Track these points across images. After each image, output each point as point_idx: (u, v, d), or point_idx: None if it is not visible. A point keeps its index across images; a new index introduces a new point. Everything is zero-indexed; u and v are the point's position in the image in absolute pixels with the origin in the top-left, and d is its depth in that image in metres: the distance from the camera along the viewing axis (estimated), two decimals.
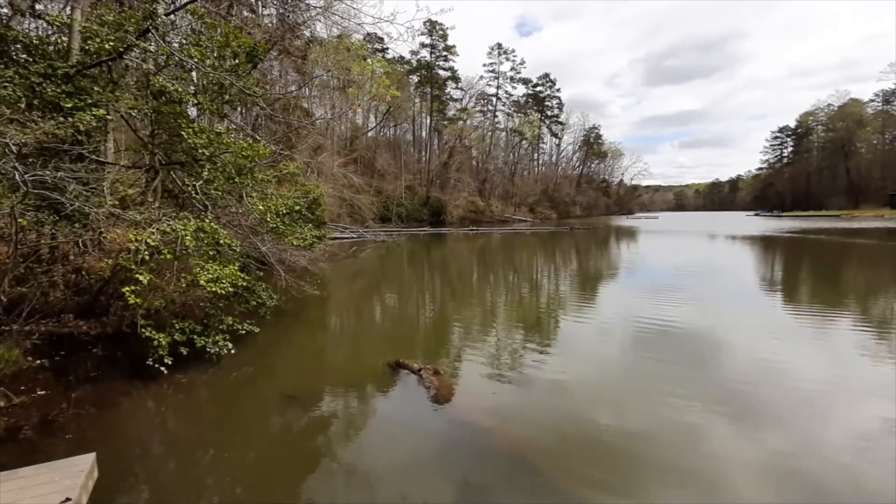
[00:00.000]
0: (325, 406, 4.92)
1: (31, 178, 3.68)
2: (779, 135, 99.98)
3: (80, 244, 6.86)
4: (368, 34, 40.50)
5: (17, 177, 3.54)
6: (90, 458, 3.00)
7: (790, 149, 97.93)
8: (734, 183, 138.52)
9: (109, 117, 5.38)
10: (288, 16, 19.76)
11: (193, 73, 6.22)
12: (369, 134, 48.36)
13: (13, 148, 3.67)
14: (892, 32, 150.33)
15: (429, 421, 4.44)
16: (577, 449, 3.83)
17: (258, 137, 7.88)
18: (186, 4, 5.89)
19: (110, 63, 6.04)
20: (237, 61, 6.67)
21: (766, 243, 25.02)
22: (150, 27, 5.67)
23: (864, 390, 4.99)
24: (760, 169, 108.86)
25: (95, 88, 5.52)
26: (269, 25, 20.44)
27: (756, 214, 77.45)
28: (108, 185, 5.94)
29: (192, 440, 4.14)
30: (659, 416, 4.32)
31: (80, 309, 7.07)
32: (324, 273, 12.23)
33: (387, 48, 45.80)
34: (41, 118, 4.22)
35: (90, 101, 5.32)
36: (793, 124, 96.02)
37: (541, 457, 3.70)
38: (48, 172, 3.85)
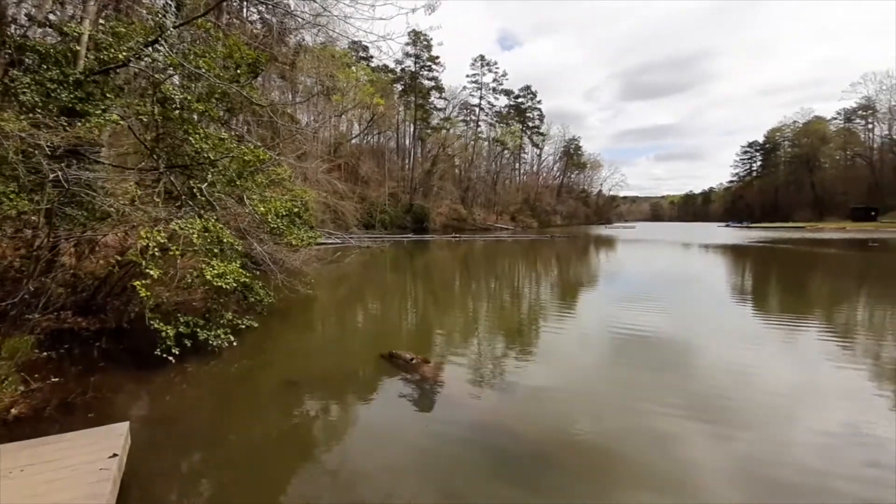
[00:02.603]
0: (321, 393, 5.28)
1: (71, 177, 4.02)
2: (748, 149, 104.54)
3: (82, 242, 7.10)
4: (353, 42, 41.00)
5: (60, 175, 3.89)
6: (125, 425, 3.36)
7: (759, 163, 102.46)
8: (707, 195, 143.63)
9: (122, 122, 5.71)
10: (275, 24, 20.12)
11: (200, 82, 6.57)
12: (353, 141, 48.66)
13: (46, 150, 4.01)
14: (853, 55, 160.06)
15: (420, 406, 4.87)
16: (559, 445, 3.99)
17: (255, 142, 8.25)
18: (195, 19, 6.29)
19: (117, 70, 6.39)
20: (239, 71, 7.08)
21: (737, 253, 26.28)
22: (160, 38, 6.06)
23: (828, 395, 5.21)
24: (731, 182, 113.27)
25: (108, 95, 5.86)
26: (255, 31, 20.72)
27: (727, 225, 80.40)
28: (115, 185, 6.24)
29: (202, 423, 4.50)
30: (634, 420, 4.49)
31: (78, 306, 7.30)
32: (311, 276, 12.54)
33: (371, 56, 46.41)
34: (69, 123, 4.56)
35: (103, 107, 5.66)
36: (761, 140, 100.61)
37: (523, 445, 3.96)
38: (84, 173, 4.20)
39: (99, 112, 5.46)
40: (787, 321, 8.98)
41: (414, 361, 5.85)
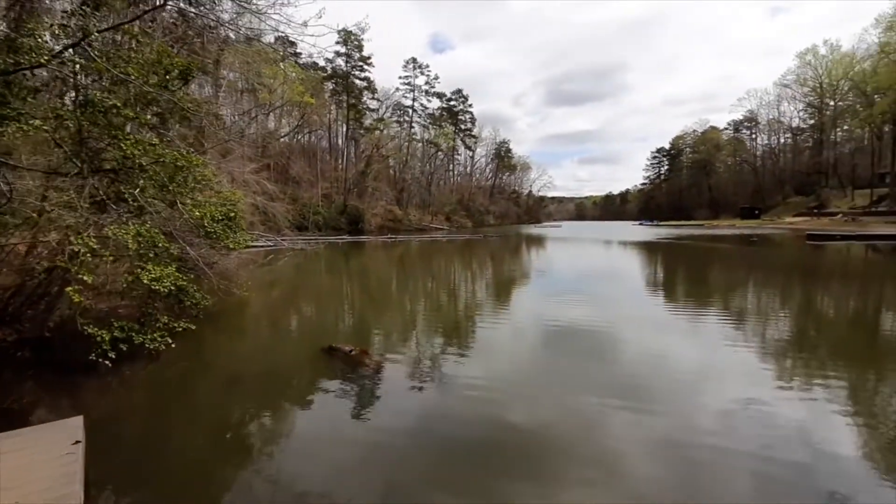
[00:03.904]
0: (261, 391, 5.42)
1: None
2: (657, 155, 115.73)
3: None
4: (279, 38, 39.78)
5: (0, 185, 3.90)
6: (80, 419, 3.58)
7: (666, 167, 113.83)
8: (624, 196, 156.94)
9: (45, 128, 5.60)
10: (197, 21, 19.25)
11: (126, 87, 6.52)
12: (283, 140, 47.10)
13: None
14: (741, 73, 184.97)
15: (360, 400, 5.08)
16: (498, 433, 4.28)
17: (177, 142, 8.19)
18: (122, 24, 6.26)
19: (33, 72, 6.20)
20: (168, 77, 7.11)
21: (649, 248, 29.37)
22: (83, 42, 6.00)
23: (726, 375, 5.82)
24: (644, 184, 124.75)
25: (24, 97, 5.71)
26: (171, 23, 19.62)
27: (640, 223, 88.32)
28: (34, 190, 6.08)
29: (144, 426, 4.67)
30: (563, 405, 4.90)
31: None
32: (245, 278, 12.44)
33: (299, 53, 45.22)
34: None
35: (20, 110, 5.52)
36: (667, 146, 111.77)
37: (463, 435, 4.21)
38: (25, 181, 4.20)
39: (15, 115, 5.34)
40: (691, 309, 10.39)
41: (353, 353, 6.36)
